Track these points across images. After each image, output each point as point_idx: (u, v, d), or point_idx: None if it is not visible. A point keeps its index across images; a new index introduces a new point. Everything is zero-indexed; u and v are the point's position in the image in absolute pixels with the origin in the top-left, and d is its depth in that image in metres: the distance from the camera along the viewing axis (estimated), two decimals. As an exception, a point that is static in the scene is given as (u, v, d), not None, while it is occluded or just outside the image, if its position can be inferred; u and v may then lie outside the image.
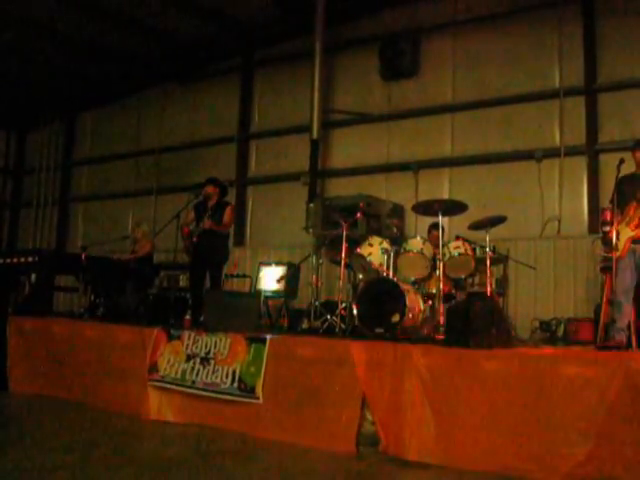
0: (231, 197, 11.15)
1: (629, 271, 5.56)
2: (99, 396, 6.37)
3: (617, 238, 5.52)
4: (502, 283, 7.40)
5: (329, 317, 7.21)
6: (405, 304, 5.65)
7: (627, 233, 5.58)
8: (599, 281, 7.79)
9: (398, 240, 7.01)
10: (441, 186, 9.99)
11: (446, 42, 10.26)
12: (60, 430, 5.49)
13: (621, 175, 5.70)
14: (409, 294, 5.83)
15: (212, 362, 5.70)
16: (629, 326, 5.89)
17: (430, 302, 6.39)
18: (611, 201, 5.79)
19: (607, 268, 6.63)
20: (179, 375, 5.85)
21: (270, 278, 9.35)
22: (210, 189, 7.79)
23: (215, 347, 5.75)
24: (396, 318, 5.66)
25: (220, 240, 7.76)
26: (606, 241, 5.98)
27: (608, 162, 8.05)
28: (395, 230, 9.27)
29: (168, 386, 5.89)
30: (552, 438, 4.12)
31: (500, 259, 7.35)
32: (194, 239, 7.55)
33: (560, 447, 4.08)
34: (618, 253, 5.58)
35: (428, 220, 7.55)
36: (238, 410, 5.46)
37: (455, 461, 4.41)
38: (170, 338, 6.07)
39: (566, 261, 8.65)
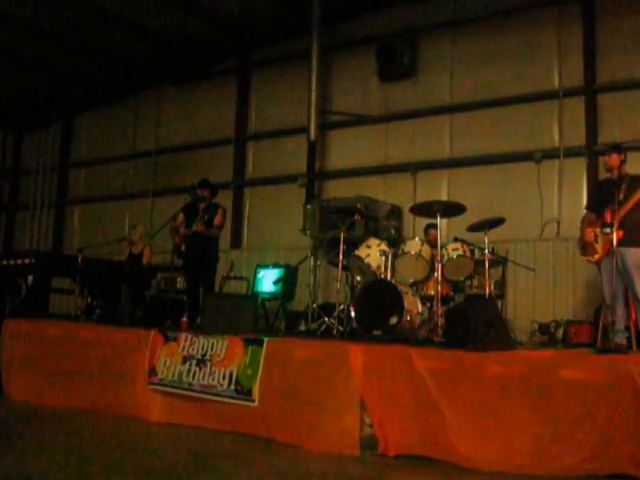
0: (228, 199, 11.20)
1: (613, 274, 5.52)
2: (95, 398, 6.30)
3: (595, 241, 5.53)
4: (501, 285, 7.37)
5: (326, 319, 7.19)
6: (403, 306, 5.62)
7: (606, 236, 5.55)
8: (598, 283, 7.76)
9: (396, 242, 6.98)
10: (439, 187, 9.94)
11: (444, 43, 10.21)
12: (56, 433, 5.43)
13: (599, 180, 5.77)
14: (407, 296, 5.80)
15: (209, 364, 5.65)
16: (629, 327, 5.87)
17: (428, 304, 6.36)
18: (586, 207, 5.88)
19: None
20: (176, 377, 5.81)
21: (267, 280, 9.31)
22: (207, 192, 7.80)
23: (212, 349, 5.70)
24: (394, 320, 5.63)
25: (210, 243, 7.75)
26: (583, 245, 5.96)
27: (607, 163, 8.02)
28: (393, 232, 9.25)
29: (167, 389, 5.85)
30: (556, 437, 4.13)
31: (499, 261, 7.32)
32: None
33: (564, 445, 4.09)
34: (596, 257, 5.59)
35: (426, 222, 7.53)
36: (235, 412, 5.41)
37: (456, 462, 4.38)
38: (166, 340, 6.03)
39: (565, 263, 8.59)
